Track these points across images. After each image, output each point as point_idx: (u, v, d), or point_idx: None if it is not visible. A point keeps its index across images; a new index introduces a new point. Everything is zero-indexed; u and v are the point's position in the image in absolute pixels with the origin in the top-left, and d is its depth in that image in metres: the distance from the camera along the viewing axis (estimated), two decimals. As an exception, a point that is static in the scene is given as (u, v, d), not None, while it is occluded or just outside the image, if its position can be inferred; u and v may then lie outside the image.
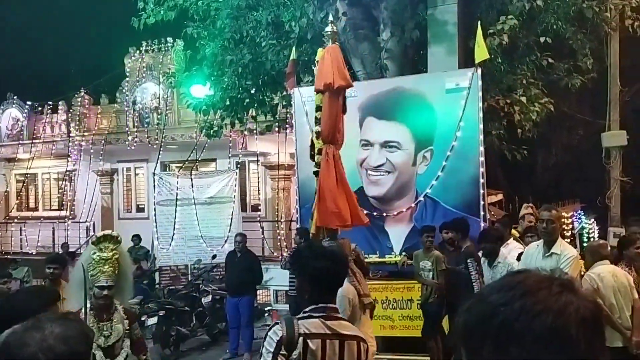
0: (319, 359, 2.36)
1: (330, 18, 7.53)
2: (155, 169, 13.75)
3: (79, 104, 16.52)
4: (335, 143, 4.09)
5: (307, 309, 2.46)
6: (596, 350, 0.89)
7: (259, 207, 14.69)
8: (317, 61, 3.81)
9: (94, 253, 3.46)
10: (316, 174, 3.93)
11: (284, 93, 9.21)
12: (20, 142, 17.31)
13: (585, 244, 12.74)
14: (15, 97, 17.83)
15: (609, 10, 9.30)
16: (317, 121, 3.93)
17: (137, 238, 11.82)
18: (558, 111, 10.07)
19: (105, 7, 16.07)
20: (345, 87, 4.46)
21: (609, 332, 4.58)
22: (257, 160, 13.94)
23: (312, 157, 4.26)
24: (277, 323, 2.44)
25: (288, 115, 10.07)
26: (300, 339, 2.35)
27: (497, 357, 0.89)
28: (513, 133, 9.20)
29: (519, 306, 0.89)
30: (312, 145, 4.25)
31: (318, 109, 3.87)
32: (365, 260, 5.98)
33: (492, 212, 9.44)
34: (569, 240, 10.29)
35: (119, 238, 3.59)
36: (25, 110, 17.60)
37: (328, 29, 3.99)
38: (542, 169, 17.13)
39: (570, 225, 12.69)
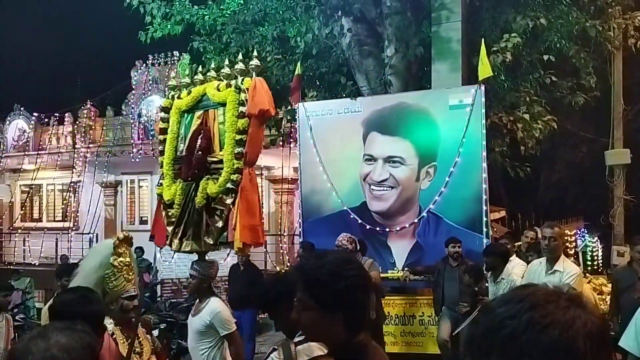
0: None
1: (336, 30, 7.63)
2: (159, 181, 13.77)
3: (85, 115, 16.64)
4: (253, 164, 4.40)
5: None
6: None
7: (262, 221, 14.68)
8: (247, 88, 4.02)
9: (115, 259, 3.04)
10: (230, 191, 4.09)
11: (289, 107, 9.27)
12: (26, 153, 17.42)
13: (588, 262, 12.71)
14: (22, 109, 17.97)
15: (612, 29, 9.37)
16: (241, 143, 4.13)
17: (139, 250, 11.82)
18: (561, 129, 10.11)
19: (113, 21, 16.24)
20: (273, 115, 4.90)
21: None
22: (261, 174, 13.98)
23: (194, 173, 4.38)
24: (274, 349, 2.29)
25: (292, 129, 10.12)
26: None
27: None
28: (516, 150, 9.21)
29: (527, 319, 0.89)
30: (201, 161, 4.36)
31: (243, 132, 4.09)
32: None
33: (495, 229, 9.43)
34: (572, 258, 10.25)
35: (132, 240, 3.24)
36: (32, 122, 17.73)
37: (253, 62, 4.21)
38: (545, 186, 17.13)
39: (574, 244, 12.65)
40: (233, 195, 4.06)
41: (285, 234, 13.77)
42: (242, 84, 4.19)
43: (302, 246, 7.70)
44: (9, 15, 20.23)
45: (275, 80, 9.07)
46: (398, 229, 7.39)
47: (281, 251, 13.36)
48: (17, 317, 8.27)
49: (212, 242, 4.16)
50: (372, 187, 7.46)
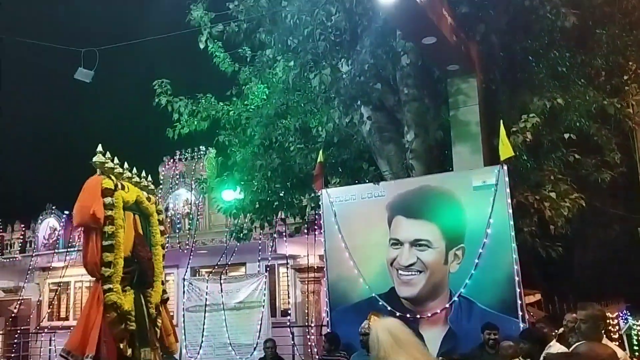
0: None
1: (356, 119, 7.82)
2: (185, 274, 13.75)
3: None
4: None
5: None
6: None
7: (289, 312, 14.37)
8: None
9: None
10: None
11: (312, 195, 9.35)
12: (56, 250, 17.67)
13: (635, 346, 11.95)
14: (53, 207, 18.48)
15: (631, 106, 9.43)
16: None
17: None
18: (591, 207, 9.90)
19: (141, 119, 17.01)
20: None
21: None
22: (287, 263, 13.87)
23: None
24: None
25: (316, 216, 10.14)
26: None
27: None
28: (545, 230, 9.00)
29: None
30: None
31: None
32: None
33: (532, 313, 9.03)
34: (617, 343, 9.66)
35: None
36: (63, 220, 18.15)
37: (97, 158, 4.39)
38: (581, 266, 16.54)
39: (617, 327, 11.98)
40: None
41: (312, 324, 13.40)
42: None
43: (327, 339, 7.44)
44: (39, 113, 21.44)
45: (298, 169, 9.24)
46: (429, 315, 7.13)
47: (309, 343, 12.93)
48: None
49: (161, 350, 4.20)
50: (400, 272, 7.30)
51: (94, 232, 4.38)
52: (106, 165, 4.72)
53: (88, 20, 18.24)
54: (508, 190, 6.92)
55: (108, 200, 4.43)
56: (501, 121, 6.95)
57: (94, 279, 4.49)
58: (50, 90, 20.05)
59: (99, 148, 4.92)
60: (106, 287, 4.28)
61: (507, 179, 6.91)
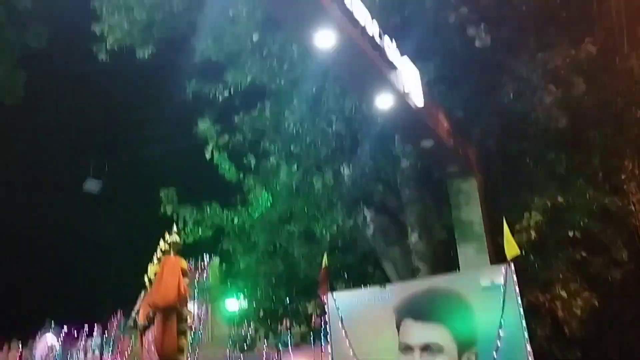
0: None
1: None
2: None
3: (114, 327, 16.57)
4: None
5: None
6: None
7: None
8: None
9: None
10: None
11: (318, 301, 9.15)
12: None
13: None
14: (52, 323, 18.05)
15: (632, 204, 9.45)
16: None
17: None
18: (605, 307, 9.60)
19: (143, 229, 17.09)
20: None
21: None
22: (293, 377, 13.22)
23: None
24: None
25: (323, 323, 9.84)
26: None
27: None
28: (560, 332, 8.68)
29: None
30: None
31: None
32: None
33: None
34: None
35: None
36: (61, 337, 17.64)
37: (174, 238, 4.33)
38: (602, 375, 15.65)
39: None
40: None
41: None
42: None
43: None
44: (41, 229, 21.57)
45: (303, 274, 9.13)
46: None
47: None
48: None
49: None
50: (412, 379, 6.93)
51: (173, 315, 4.22)
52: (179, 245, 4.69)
53: (95, 132, 18.97)
54: (517, 289, 6.77)
55: (186, 280, 4.35)
56: (504, 220, 6.96)
57: None
58: (54, 201, 20.40)
59: (175, 228, 4.92)
60: None
61: (515, 277, 6.79)
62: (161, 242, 4.92)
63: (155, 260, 5.07)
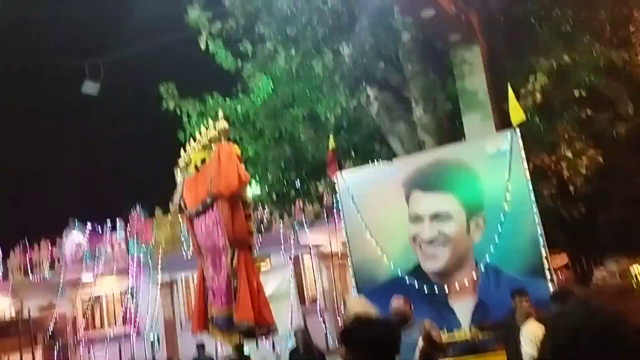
0: None
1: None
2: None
3: (136, 219, 17.24)
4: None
5: None
6: None
7: (317, 299, 14.48)
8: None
9: None
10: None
11: (328, 180, 9.38)
12: (84, 265, 17.99)
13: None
14: (76, 221, 18.77)
15: (639, 55, 9.26)
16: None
17: (201, 347, 11.73)
18: (609, 163, 9.78)
19: (150, 126, 17.19)
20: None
21: None
22: (310, 253, 13.93)
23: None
24: None
25: (335, 201, 10.18)
26: None
27: None
28: (566, 191, 8.93)
29: None
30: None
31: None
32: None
33: (563, 277, 8.98)
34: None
35: None
36: (86, 233, 18.44)
37: (223, 125, 4.23)
38: (607, 225, 16.33)
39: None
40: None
41: (343, 310, 13.47)
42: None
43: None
44: (59, 134, 21.78)
45: (311, 157, 9.27)
46: (457, 287, 7.14)
47: (341, 327, 13.01)
48: None
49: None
50: (423, 246, 7.31)
51: (239, 201, 4.36)
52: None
53: (86, 33, 18.39)
54: (523, 154, 6.87)
55: (242, 166, 4.45)
56: (509, 85, 6.88)
57: (236, 250, 4.39)
58: (57, 105, 20.34)
59: (221, 114, 4.91)
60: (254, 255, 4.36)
61: (520, 142, 6.86)
62: (203, 130, 4.86)
63: (197, 147, 5.00)
